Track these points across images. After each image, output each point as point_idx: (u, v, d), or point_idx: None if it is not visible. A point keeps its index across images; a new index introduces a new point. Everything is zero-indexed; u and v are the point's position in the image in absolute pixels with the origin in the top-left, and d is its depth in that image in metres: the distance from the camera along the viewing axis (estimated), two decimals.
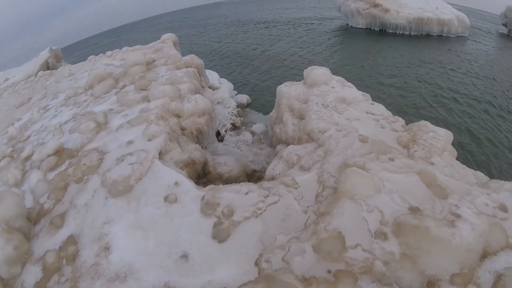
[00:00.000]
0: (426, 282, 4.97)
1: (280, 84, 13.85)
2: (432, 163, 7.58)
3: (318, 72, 12.73)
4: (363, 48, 30.32)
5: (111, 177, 8.13)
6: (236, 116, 18.39)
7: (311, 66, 13.56)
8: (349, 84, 12.40)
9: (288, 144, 10.81)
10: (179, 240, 6.44)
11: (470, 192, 6.38)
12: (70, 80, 20.10)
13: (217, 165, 11.51)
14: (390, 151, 7.78)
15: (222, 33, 49.46)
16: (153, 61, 18.49)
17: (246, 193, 7.33)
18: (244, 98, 20.32)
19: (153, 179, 8.02)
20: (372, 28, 42.58)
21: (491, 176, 8.87)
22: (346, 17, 45.33)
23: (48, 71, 26.35)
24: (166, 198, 7.41)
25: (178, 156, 9.80)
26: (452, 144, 8.74)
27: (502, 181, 6.91)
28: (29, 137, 13.26)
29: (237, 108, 19.34)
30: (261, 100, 19.49)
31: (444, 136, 8.44)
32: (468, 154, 13.60)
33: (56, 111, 15.28)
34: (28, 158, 11.19)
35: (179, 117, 12.23)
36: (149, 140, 9.71)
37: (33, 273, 6.58)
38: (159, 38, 22.84)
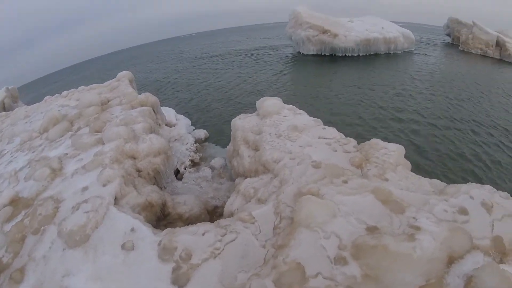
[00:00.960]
0: None
1: (237, 115, 14.17)
2: (386, 179, 7.78)
3: (270, 103, 13.05)
4: (314, 74, 31.84)
5: (67, 226, 7.94)
6: (195, 152, 18.32)
7: (264, 97, 13.96)
8: (301, 111, 12.78)
9: (246, 177, 10.85)
10: None
11: (427, 202, 6.58)
12: (26, 122, 19.48)
13: (176, 205, 11.29)
14: (343, 174, 7.93)
15: (179, 68, 50.36)
16: (108, 101, 18.42)
17: (203, 234, 7.28)
18: (201, 133, 20.43)
19: (109, 227, 7.95)
20: (322, 54, 44.98)
21: (448, 182, 9.24)
22: (297, 45, 47.62)
23: (4, 113, 25.27)
24: (123, 246, 7.29)
25: (134, 200, 9.67)
26: (406, 157, 9.02)
27: (459, 185, 7.16)
28: None
29: (195, 143, 19.35)
30: (219, 133, 19.72)
31: (395, 151, 8.74)
32: (423, 163, 14.11)
33: (11, 156, 14.78)
34: None
35: (134, 158, 12.07)
36: (104, 185, 9.61)
37: None
38: (115, 76, 22.91)
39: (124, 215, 8.28)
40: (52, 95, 24.24)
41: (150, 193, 10.53)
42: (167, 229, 8.03)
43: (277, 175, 8.85)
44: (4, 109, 29.47)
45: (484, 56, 63.91)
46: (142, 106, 17.23)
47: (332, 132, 10.67)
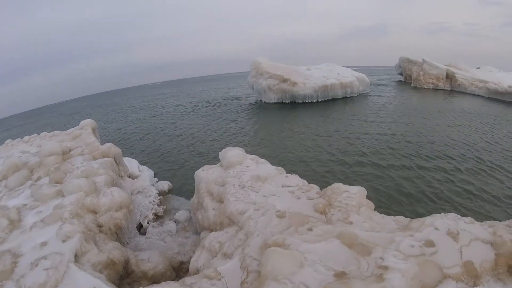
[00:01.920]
0: None
1: (201, 166, 14.16)
2: (351, 222, 7.88)
3: (233, 153, 13.21)
4: (276, 122, 32.93)
5: (26, 284, 7.47)
6: (158, 205, 17.79)
7: (227, 147, 14.16)
8: (263, 160, 12.99)
9: (211, 230, 10.66)
10: None
11: (393, 240, 6.67)
12: None
13: (140, 262, 10.72)
14: (308, 221, 7.97)
15: (142, 117, 50.79)
16: (70, 150, 18.07)
17: None
18: (165, 185, 20.00)
19: (70, 286, 7.48)
20: (283, 101, 47.14)
21: (413, 216, 9.45)
22: (259, 94, 49.78)
23: None
24: None
25: (95, 258, 9.16)
26: (368, 198, 9.22)
27: (423, 218, 7.36)
28: None
29: (159, 196, 18.85)
30: (183, 185, 19.48)
31: (357, 193, 8.95)
32: (386, 201, 14.47)
33: None
34: None
35: (95, 213, 11.65)
36: (64, 241, 9.16)
37: None
38: (78, 124, 22.60)
39: (85, 274, 7.90)
40: (13, 139, 23.48)
41: (112, 251, 10.05)
42: None
43: (242, 227, 8.76)
44: None
45: (436, 90, 68.92)
46: (104, 157, 16.99)
47: (294, 179, 10.83)
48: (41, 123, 66.22)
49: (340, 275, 5.90)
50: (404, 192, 15.28)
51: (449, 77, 70.31)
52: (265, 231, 7.96)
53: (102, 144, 18.75)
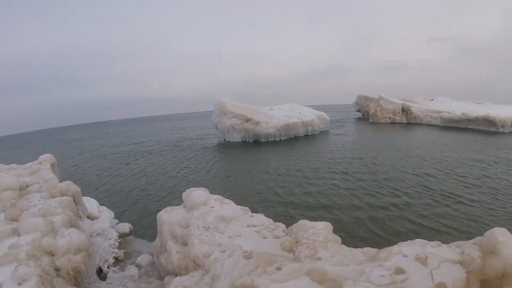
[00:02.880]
0: None
1: (163, 207, 13.68)
2: (319, 258, 7.73)
3: (196, 194, 12.87)
4: (240, 161, 32.93)
5: None
6: (119, 248, 16.68)
7: (190, 188, 13.82)
8: (228, 200, 12.73)
9: (176, 275, 10.01)
10: None
11: (363, 271, 6.57)
12: None
13: None
14: (276, 260, 7.73)
15: (103, 155, 49.50)
16: (27, 186, 16.96)
17: None
18: (126, 227, 18.88)
19: None
20: (247, 140, 47.87)
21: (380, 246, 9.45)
22: (223, 133, 50.27)
23: None
24: None
25: None
26: (335, 232, 9.17)
27: (390, 247, 7.36)
28: None
29: (119, 238, 17.69)
30: (145, 227, 18.48)
31: (323, 228, 8.88)
32: (353, 234, 14.49)
33: None
34: None
35: (52, 255, 10.68)
36: (19, 284, 8.36)
37: None
38: (37, 158, 21.37)
39: None
40: None
41: None
42: None
43: (208, 270, 8.31)
44: None
45: (393, 123, 72.75)
46: (62, 195, 16.07)
47: (260, 218, 10.63)
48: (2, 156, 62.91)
49: None
50: (368, 226, 15.37)
51: (405, 110, 74.98)
52: (233, 273, 7.59)
53: (60, 181, 17.81)
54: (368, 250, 8.23)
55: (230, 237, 9.47)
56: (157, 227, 13.05)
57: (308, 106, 66.60)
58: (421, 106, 76.43)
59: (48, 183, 17.35)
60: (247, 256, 8.10)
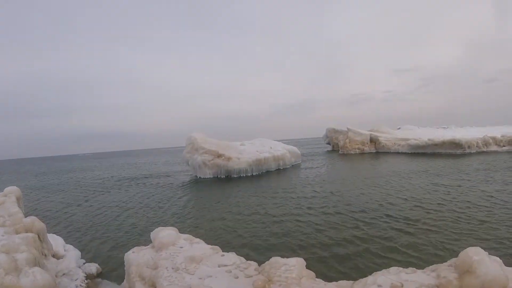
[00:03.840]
0: None
1: (132, 246, 12.98)
2: None
3: (165, 234, 12.28)
4: (211, 198, 32.16)
5: None
6: None
7: (159, 227, 13.18)
8: (198, 240, 12.20)
9: None
10: None
11: None
12: None
13: None
14: None
15: (67, 188, 47.61)
16: None
17: None
18: (93, 268, 17.56)
19: None
20: (219, 176, 47.38)
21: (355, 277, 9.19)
22: (194, 169, 49.46)
23: None
24: None
25: None
26: (309, 268, 8.95)
27: (365, 278, 7.21)
28: None
29: (86, 280, 16.45)
30: (113, 267, 17.19)
31: (296, 264, 8.62)
32: (327, 269, 14.21)
33: None
34: None
35: None
36: None
37: None
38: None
39: None
40: None
41: None
42: None
43: None
44: None
45: (362, 153, 74.98)
46: (27, 231, 14.76)
47: (231, 257, 10.19)
48: None
49: None
50: (341, 258, 15.13)
51: (373, 140, 77.74)
52: None
53: (25, 216, 16.58)
54: (343, 283, 7.99)
55: (200, 278, 8.94)
56: (125, 268, 12.32)
57: (279, 140, 67.62)
58: (388, 135, 79.43)
59: (13, 218, 16.22)
60: None
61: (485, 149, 61.19)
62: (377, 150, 75.72)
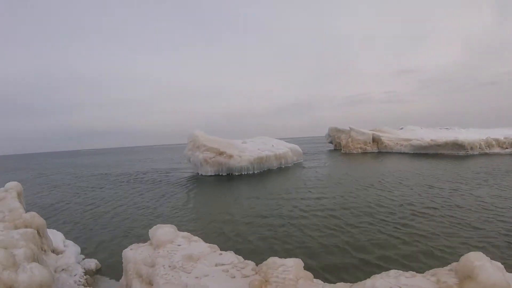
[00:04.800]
0: None
1: (131, 243, 12.88)
2: None
3: (163, 232, 12.17)
4: (211, 195, 32.21)
5: None
6: (85, 286, 15.45)
7: (157, 224, 13.07)
8: (196, 238, 12.10)
9: None
10: None
11: None
12: None
13: None
14: None
15: (69, 185, 47.53)
16: None
17: None
18: (92, 264, 17.58)
19: None
20: (220, 174, 47.35)
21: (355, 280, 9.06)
22: (196, 166, 49.64)
23: None
24: None
25: None
26: (307, 269, 8.82)
27: (363, 281, 7.06)
28: None
29: (85, 275, 16.42)
30: (112, 264, 17.20)
31: (293, 265, 8.49)
32: (326, 270, 14.09)
33: None
34: None
35: None
36: None
37: None
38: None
39: None
40: None
41: None
42: None
43: None
44: None
45: (364, 153, 74.53)
46: (26, 227, 14.87)
47: (229, 257, 10.08)
48: None
49: None
50: (339, 260, 14.99)
51: (376, 140, 77.42)
52: None
53: (25, 212, 16.58)
54: (341, 285, 7.86)
55: (197, 277, 8.85)
56: (123, 265, 12.26)
57: (281, 139, 67.45)
58: (391, 135, 79.14)
59: (13, 213, 16.26)
60: None
61: (487, 151, 60.94)
62: (380, 150, 75.51)
